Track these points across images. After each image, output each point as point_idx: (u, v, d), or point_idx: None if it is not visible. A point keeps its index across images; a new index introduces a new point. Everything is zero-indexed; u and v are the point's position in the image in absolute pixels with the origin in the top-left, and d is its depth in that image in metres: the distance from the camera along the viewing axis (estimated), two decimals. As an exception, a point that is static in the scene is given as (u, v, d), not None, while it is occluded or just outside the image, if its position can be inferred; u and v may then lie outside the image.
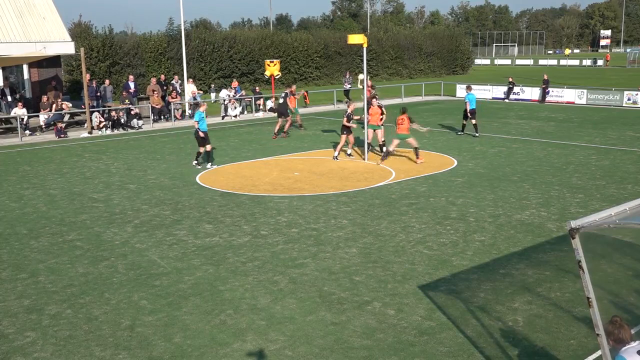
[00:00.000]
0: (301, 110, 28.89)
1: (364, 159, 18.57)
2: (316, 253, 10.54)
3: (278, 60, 36.12)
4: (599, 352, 6.58)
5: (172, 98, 29.37)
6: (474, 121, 22.65)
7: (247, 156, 19.67)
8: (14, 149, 22.13)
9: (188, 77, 32.57)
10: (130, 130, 26.30)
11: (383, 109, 19.05)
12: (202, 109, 18.15)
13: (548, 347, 7.23)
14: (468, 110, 22.62)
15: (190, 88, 30.95)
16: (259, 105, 31.87)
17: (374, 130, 18.94)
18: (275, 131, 23.37)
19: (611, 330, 4.89)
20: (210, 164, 17.88)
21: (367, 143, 18.62)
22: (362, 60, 28.01)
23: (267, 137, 23.67)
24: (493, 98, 37.47)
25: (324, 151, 20.35)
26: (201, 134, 17.76)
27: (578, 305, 8.28)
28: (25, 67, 28.83)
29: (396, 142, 17.97)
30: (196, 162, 18.10)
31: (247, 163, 18.59)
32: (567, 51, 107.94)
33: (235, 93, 31.32)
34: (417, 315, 8.09)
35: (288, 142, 22.16)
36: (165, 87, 30.11)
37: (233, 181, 16.01)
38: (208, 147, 17.87)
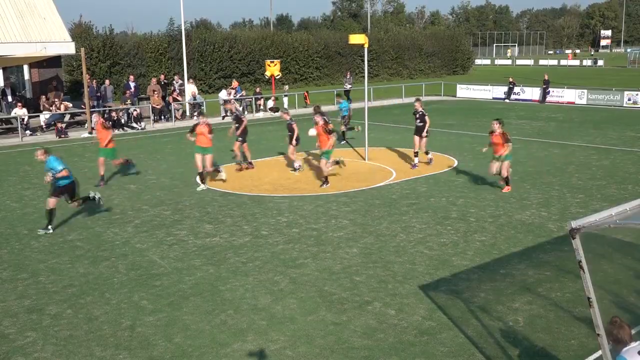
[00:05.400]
0: (302, 110, 28.79)
1: (364, 159, 18.58)
2: (317, 253, 10.54)
3: (278, 60, 36.13)
4: (599, 353, 6.57)
5: (173, 98, 29.39)
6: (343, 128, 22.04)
7: (248, 156, 19.63)
8: (14, 149, 22.13)
9: (188, 78, 32.56)
10: (130, 131, 26.30)
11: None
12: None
13: (548, 347, 7.23)
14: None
15: (190, 88, 30.96)
16: (259, 105, 31.86)
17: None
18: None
19: (611, 330, 4.90)
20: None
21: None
22: (362, 61, 27.99)
23: (267, 137, 23.67)
24: (494, 98, 37.43)
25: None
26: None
27: (578, 306, 8.28)
28: (25, 67, 28.85)
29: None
30: None
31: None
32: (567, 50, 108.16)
33: (235, 93, 31.32)
34: (417, 315, 8.09)
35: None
36: (165, 87, 30.14)
37: (233, 181, 16.00)
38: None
